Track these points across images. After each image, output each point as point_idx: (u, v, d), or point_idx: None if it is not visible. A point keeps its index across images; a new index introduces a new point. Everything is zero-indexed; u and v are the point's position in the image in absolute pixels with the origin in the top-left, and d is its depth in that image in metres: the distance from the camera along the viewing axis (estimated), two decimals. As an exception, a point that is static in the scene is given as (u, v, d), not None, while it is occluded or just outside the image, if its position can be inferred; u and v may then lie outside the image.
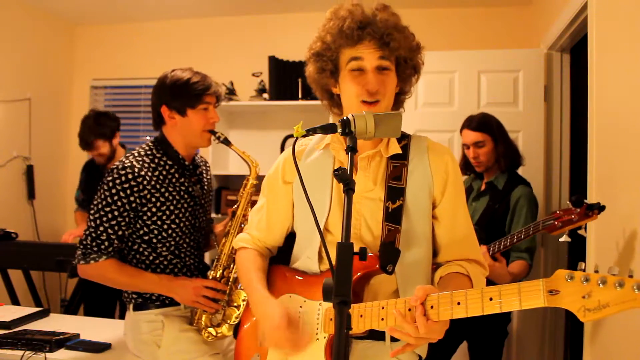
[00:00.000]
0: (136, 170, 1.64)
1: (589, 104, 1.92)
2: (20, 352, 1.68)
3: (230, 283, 1.72)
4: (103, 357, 1.75)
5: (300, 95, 3.48)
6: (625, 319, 1.52)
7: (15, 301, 2.89)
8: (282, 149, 3.59)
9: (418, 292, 0.98)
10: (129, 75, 4.08)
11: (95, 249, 1.62)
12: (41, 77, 3.89)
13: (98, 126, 2.88)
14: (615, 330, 1.63)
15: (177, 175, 1.74)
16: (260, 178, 1.50)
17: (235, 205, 1.80)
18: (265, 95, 3.59)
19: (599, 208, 1.60)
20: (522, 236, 1.90)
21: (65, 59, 4.15)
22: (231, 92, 3.62)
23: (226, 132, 3.81)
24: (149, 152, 1.73)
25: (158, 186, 1.67)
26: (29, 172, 3.73)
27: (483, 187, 2.38)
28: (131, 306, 1.74)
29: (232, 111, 3.81)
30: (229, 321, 1.68)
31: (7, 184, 3.58)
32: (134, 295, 1.73)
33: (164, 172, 1.71)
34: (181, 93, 1.69)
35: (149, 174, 1.67)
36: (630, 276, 0.77)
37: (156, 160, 1.72)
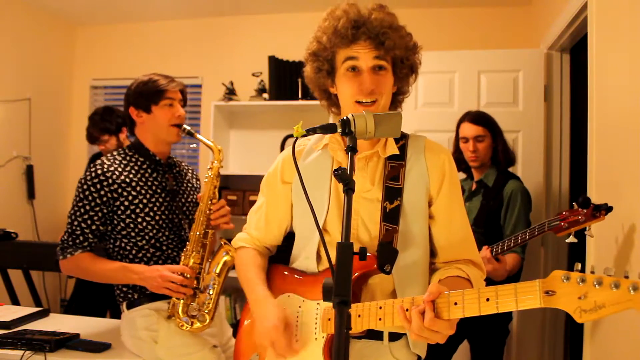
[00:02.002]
0: (105, 166, 1.74)
1: (589, 104, 1.92)
2: (20, 352, 1.68)
3: (202, 269, 1.73)
4: (103, 357, 1.74)
5: (300, 95, 3.48)
6: (624, 319, 1.52)
7: (15, 301, 2.89)
8: (282, 148, 3.59)
9: (432, 288, 0.98)
10: (129, 75, 4.05)
11: (71, 243, 1.71)
12: (41, 77, 3.89)
13: (103, 121, 2.99)
14: (615, 330, 1.63)
15: (149, 171, 1.81)
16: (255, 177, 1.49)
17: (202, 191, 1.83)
18: (265, 95, 3.59)
19: (607, 209, 1.58)
20: (527, 237, 1.89)
21: (65, 59, 4.15)
22: (231, 92, 3.63)
23: (226, 132, 3.81)
24: (121, 153, 1.83)
25: (128, 180, 1.74)
26: (29, 172, 3.73)
27: (474, 187, 2.38)
28: (124, 305, 1.76)
29: (232, 111, 3.81)
30: (205, 310, 1.69)
31: (7, 184, 3.58)
32: (125, 289, 1.75)
33: (136, 167, 1.79)
34: (143, 92, 1.79)
35: (119, 169, 1.75)
36: (626, 277, 0.77)
37: (128, 158, 1.81)
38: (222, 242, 1.78)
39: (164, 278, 1.65)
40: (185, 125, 1.83)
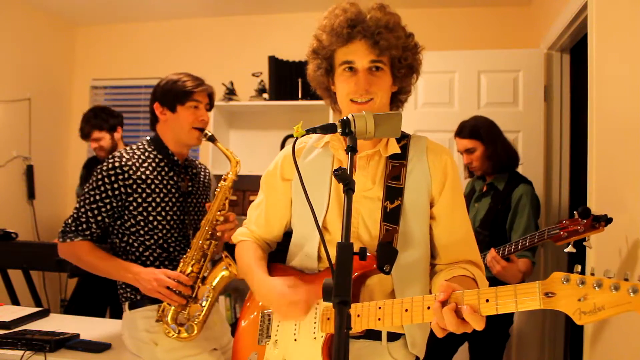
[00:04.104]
0: (124, 160, 1.72)
1: (589, 104, 1.92)
2: (20, 352, 1.68)
3: (198, 278, 1.70)
4: (103, 357, 1.74)
5: (300, 95, 3.48)
6: (625, 321, 1.52)
7: (15, 301, 2.89)
8: (282, 148, 3.59)
9: (442, 288, 0.97)
10: (129, 75, 4.07)
11: (73, 228, 1.70)
12: (41, 77, 3.89)
13: (95, 118, 2.98)
14: (615, 332, 1.63)
15: (166, 169, 1.80)
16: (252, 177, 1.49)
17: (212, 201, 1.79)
18: (265, 95, 3.59)
19: (606, 220, 1.57)
20: (527, 244, 1.90)
21: (65, 59, 4.15)
22: (231, 92, 3.62)
23: (226, 132, 3.81)
24: (141, 147, 1.81)
25: (144, 177, 1.73)
26: (29, 172, 3.72)
27: (485, 189, 2.38)
28: (126, 305, 1.76)
29: (232, 111, 3.81)
30: (194, 321, 1.65)
31: (7, 184, 3.58)
32: (128, 289, 1.74)
33: (153, 165, 1.77)
34: (172, 90, 1.78)
35: (136, 164, 1.73)
36: (626, 279, 0.76)
37: (146, 154, 1.79)
38: (224, 255, 1.74)
39: (159, 282, 1.63)
40: (207, 131, 1.81)
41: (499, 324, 2.23)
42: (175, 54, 3.96)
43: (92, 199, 1.69)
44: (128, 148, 1.79)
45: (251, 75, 3.68)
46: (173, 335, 1.64)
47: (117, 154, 1.74)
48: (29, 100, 3.72)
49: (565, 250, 1.65)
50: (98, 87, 4.20)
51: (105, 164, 1.71)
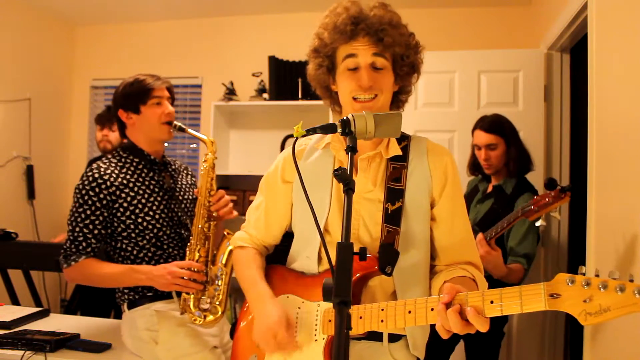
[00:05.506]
0: (102, 170, 1.74)
1: (589, 104, 1.92)
2: (20, 352, 1.68)
3: (208, 261, 1.74)
4: (103, 357, 1.74)
5: (300, 95, 3.48)
6: (625, 320, 1.51)
7: (15, 301, 2.89)
8: (282, 148, 3.59)
9: (445, 290, 0.98)
10: (129, 75, 4.04)
11: (74, 250, 1.69)
12: (41, 77, 3.89)
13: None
14: (615, 331, 1.63)
15: (145, 170, 1.82)
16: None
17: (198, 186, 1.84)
18: (265, 95, 3.59)
19: (570, 189, 1.67)
20: (506, 224, 1.95)
21: (65, 59, 4.15)
22: (231, 92, 3.62)
23: (226, 132, 3.81)
24: (115, 155, 1.84)
25: (125, 182, 1.75)
26: (29, 172, 3.72)
27: (489, 190, 2.34)
28: (125, 305, 1.77)
29: (232, 111, 3.81)
30: (216, 302, 1.69)
31: (7, 184, 3.58)
32: (126, 290, 1.75)
33: (132, 168, 1.80)
34: (131, 93, 1.80)
35: (116, 171, 1.76)
36: (631, 280, 0.77)
37: (123, 160, 1.81)
38: (226, 233, 1.79)
39: (172, 274, 1.65)
40: (175, 122, 1.84)
41: (494, 322, 2.21)
42: (175, 54, 3.96)
43: (83, 215, 1.69)
44: (104, 158, 1.81)
45: (251, 75, 3.69)
46: (200, 321, 1.67)
47: (94, 166, 1.76)
48: (29, 100, 3.72)
49: (536, 224, 1.71)
50: (98, 87, 4.20)
51: (84, 178, 1.73)
